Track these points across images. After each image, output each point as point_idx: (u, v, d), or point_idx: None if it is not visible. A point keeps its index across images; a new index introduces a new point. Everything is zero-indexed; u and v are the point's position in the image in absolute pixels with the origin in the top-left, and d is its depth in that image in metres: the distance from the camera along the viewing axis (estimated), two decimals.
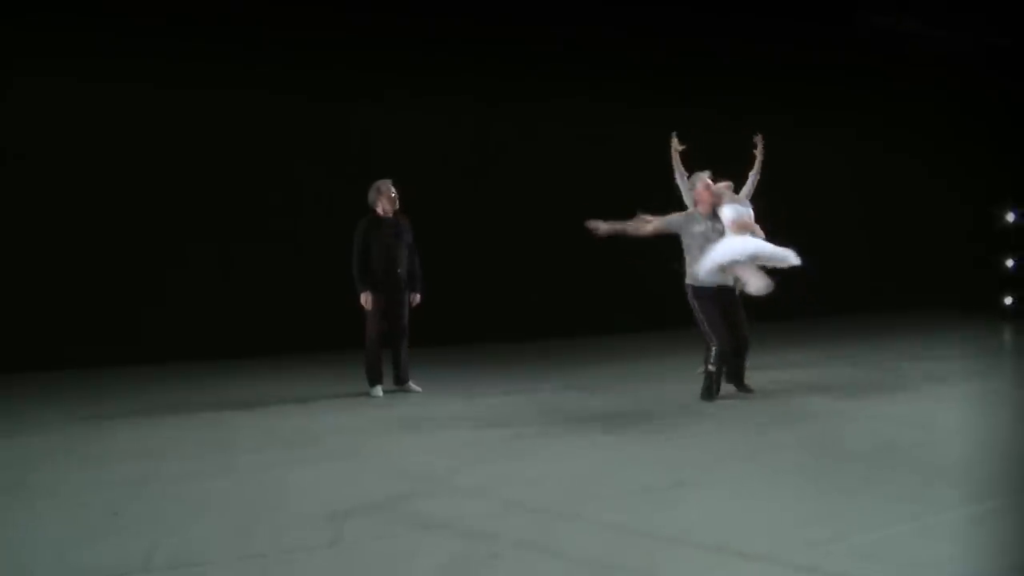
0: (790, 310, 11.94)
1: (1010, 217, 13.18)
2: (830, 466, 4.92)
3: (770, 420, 6.15)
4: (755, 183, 7.11)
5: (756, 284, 6.54)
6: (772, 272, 6.67)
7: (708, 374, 6.81)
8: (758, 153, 7.22)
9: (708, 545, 3.67)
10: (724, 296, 6.79)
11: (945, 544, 3.66)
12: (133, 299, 9.39)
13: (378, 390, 7.48)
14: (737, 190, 7.11)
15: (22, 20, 8.86)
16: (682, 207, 7.24)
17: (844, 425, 5.98)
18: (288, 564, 3.63)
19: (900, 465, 4.89)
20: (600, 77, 11.35)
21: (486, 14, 10.38)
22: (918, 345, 10.11)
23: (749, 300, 6.94)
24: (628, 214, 6.88)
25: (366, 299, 7.39)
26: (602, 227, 6.84)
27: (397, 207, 7.54)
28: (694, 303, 6.81)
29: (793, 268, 6.57)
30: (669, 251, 7.14)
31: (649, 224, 6.81)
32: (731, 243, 6.59)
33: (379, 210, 7.51)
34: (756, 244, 6.59)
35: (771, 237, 6.74)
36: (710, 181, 6.86)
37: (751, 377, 7.09)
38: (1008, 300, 13.08)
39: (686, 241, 6.89)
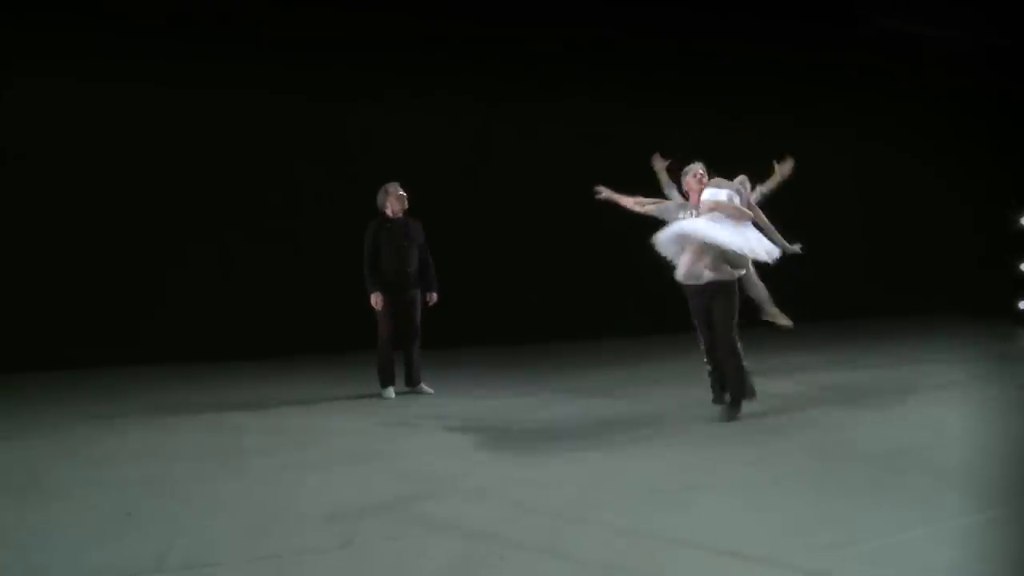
0: (794, 313, 11.96)
1: None
2: (839, 470, 4.91)
3: (778, 424, 6.12)
4: (762, 195, 6.71)
5: (682, 271, 6.33)
6: (766, 275, 6.63)
7: (709, 375, 6.79)
8: (779, 171, 6.73)
9: (716, 549, 3.67)
10: (706, 294, 6.47)
11: (957, 549, 3.65)
12: (133, 299, 9.39)
13: (390, 391, 7.49)
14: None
15: (22, 20, 8.86)
16: None
17: (853, 429, 5.96)
18: (300, 565, 3.64)
19: (910, 469, 4.87)
20: (600, 77, 11.35)
21: (486, 14, 10.38)
22: (927, 349, 10.07)
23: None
24: (628, 213, 6.86)
25: (376, 300, 7.40)
26: (604, 192, 6.82)
27: (406, 207, 7.56)
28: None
29: (783, 260, 6.46)
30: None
31: (645, 205, 6.74)
32: (693, 222, 6.35)
33: (388, 211, 7.54)
34: (714, 230, 6.22)
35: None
36: (702, 172, 6.67)
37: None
38: (1023, 304, 12.93)
39: None
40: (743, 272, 6.56)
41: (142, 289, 9.44)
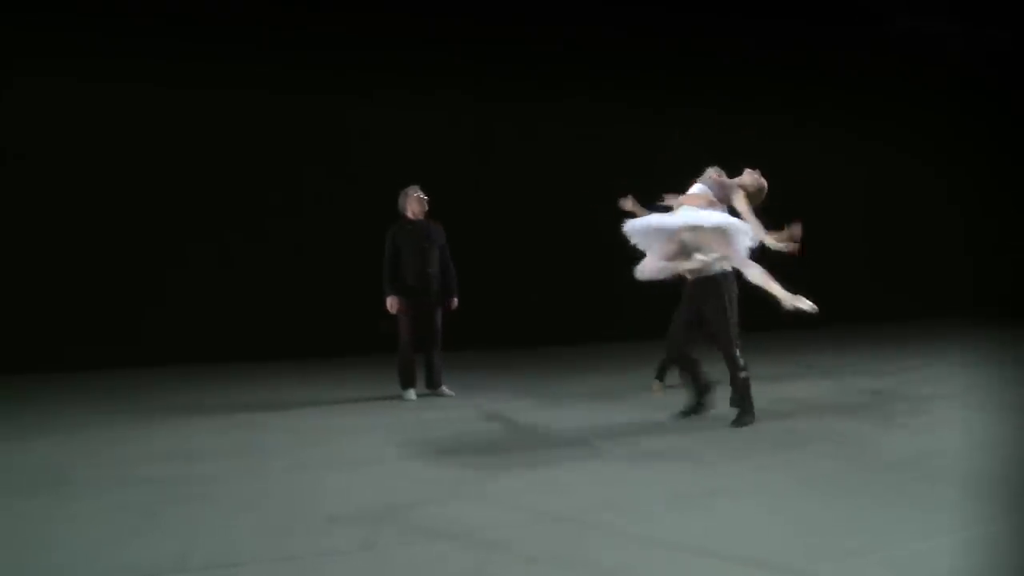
0: (803, 318, 11.97)
1: None
2: (862, 476, 4.87)
3: (799, 428, 6.06)
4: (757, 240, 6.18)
5: (644, 268, 6.16)
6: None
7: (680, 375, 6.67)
8: (776, 239, 6.17)
9: (738, 556, 3.64)
10: (690, 295, 6.37)
11: (981, 558, 3.63)
12: (133, 300, 9.39)
13: (411, 393, 7.49)
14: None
15: (22, 20, 8.87)
16: None
17: (876, 434, 5.90)
18: (322, 567, 3.64)
19: (934, 476, 4.84)
20: (600, 77, 11.36)
21: (486, 14, 10.39)
22: (942, 353, 10.03)
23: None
24: (628, 213, 6.85)
25: (392, 304, 7.43)
26: (628, 204, 6.61)
27: (426, 210, 7.61)
28: None
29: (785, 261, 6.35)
30: None
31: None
32: (663, 216, 6.18)
33: (409, 214, 7.58)
34: (687, 214, 6.07)
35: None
36: (716, 175, 6.48)
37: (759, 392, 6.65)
38: None
39: None
40: (725, 265, 6.16)
41: (142, 289, 9.44)
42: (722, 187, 6.22)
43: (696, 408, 6.39)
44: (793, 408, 6.82)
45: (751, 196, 6.27)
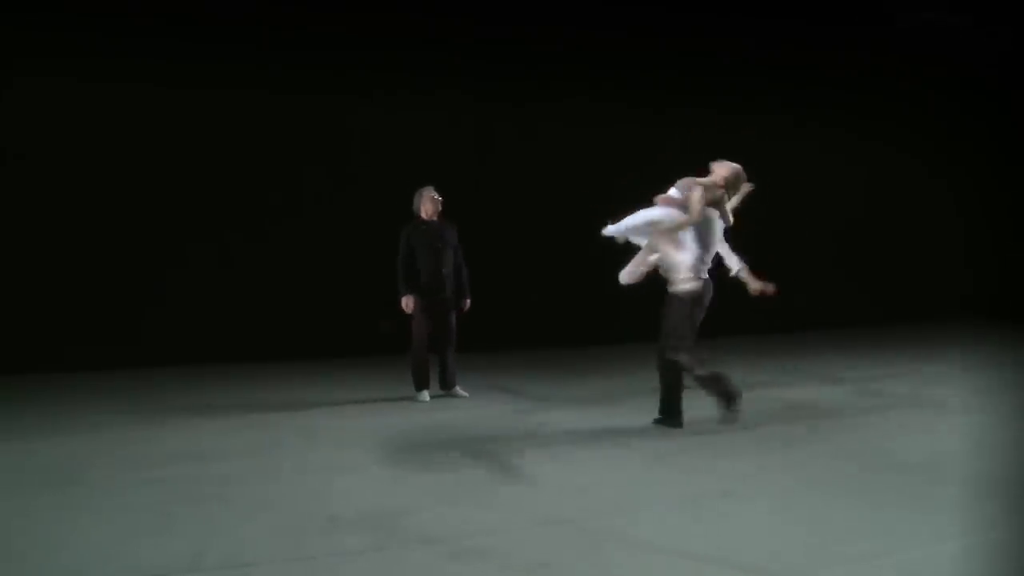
0: (803, 319, 11.98)
1: None
2: (874, 479, 4.89)
3: (810, 432, 6.10)
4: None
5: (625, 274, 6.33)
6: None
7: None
8: (749, 280, 6.52)
9: (749, 559, 3.65)
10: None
11: (993, 562, 3.63)
12: (133, 300, 9.38)
13: (424, 395, 7.52)
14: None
15: (22, 20, 8.86)
16: None
17: (887, 438, 5.93)
18: (334, 568, 3.67)
19: (947, 480, 4.85)
20: (600, 77, 11.35)
21: (486, 14, 10.38)
22: (947, 356, 10.05)
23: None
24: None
25: (407, 303, 7.45)
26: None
27: (440, 211, 7.66)
28: None
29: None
30: None
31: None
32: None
33: (423, 214, 7.62)
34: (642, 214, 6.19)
35: (761, 240, 6.61)
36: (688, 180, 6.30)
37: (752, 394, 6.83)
38: None
39: None
40: (685, 279, 6.14)
41: (142, 290, 9.43)
42: (689, 187, 6.23)
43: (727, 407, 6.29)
44: (799, 411, 6.84)
45: (730, 185, 6.30)
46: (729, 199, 6.36)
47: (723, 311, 7.45)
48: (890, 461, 5.28)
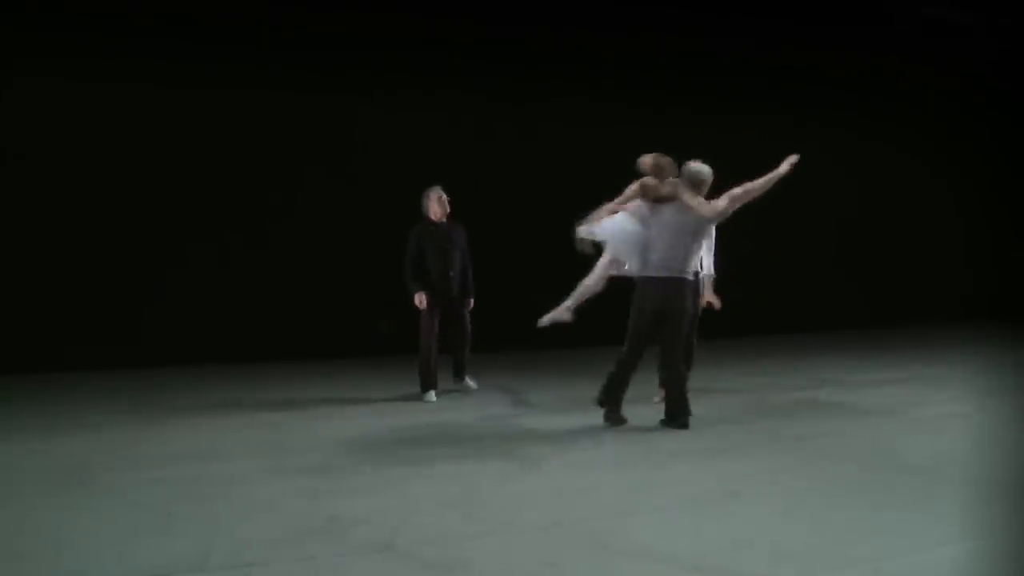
0: (804, 320, 11.99)
1: None
2: (878, 481, 4.88)
3: (815, 433, 6.09)
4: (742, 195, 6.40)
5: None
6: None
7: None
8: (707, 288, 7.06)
9: (752, 561, 3.65)
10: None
11: (999, 565, 3.63)
12: (133, 300, 9.37)
13: (431, 395, 7.55)
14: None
15: (22, 20, 8.85)
16: None
17: (892, 439, 5.91)
18: (338, 568, 3.66)
19: (952, 481, 4.84)
20: (600, 77, 11.35)
21: (487, 14, 10.38)
22: (949, 357, 10.05)
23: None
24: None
25: (420, 299, 7.50)
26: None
27: (448, 211, 7.73)
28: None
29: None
30: None
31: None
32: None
33: (432, 216, 7.68)
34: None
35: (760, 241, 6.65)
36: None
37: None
38: None
39: None
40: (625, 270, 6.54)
41: (142, 290, 9.42)
42: (641, 189, 6.45)
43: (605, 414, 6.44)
44: (800, 412, 6.83)
45: (658, 173, 6.34)
46: (676, 189, 6.31)
47: (724, 311, 7.49)
48: (892, 463, 5.28)
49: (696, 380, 7.73)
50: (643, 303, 6.29)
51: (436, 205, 7.70)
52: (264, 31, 9.70)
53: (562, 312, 6.84)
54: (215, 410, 7.12)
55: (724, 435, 6.08)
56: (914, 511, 4.30)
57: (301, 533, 4.06)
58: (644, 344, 6.32)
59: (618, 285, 6.81)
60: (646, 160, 6.39)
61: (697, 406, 6.56)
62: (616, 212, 6.47)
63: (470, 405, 7.33)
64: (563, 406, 7.25)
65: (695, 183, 6.32)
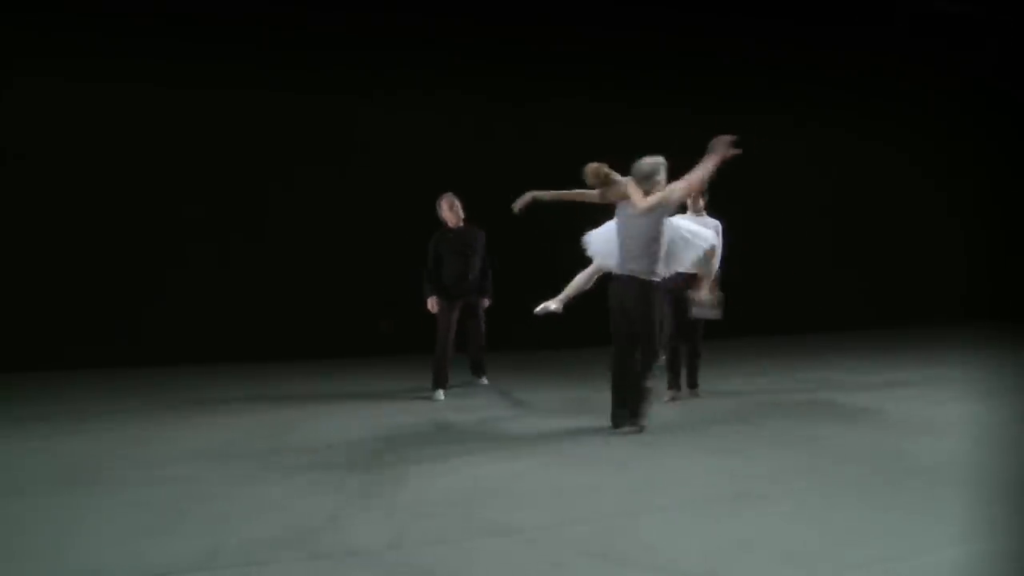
0: (805, 321, 11.98)
1: None
2: (889, 481, 4.87)
3: (815, 435, 6.07)
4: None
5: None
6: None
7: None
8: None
9: (756, 562, 3.65)
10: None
11: (1009, 566, 3.63)
12: (133, 300, 9.38)
13: (440, 394, 7.61)
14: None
15: (22, 20, 8.85)
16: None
17: (901, 439, 5.89)
18: (348, 566, 3.66)
19: (954, 482, 4.83)
20: (600, 77, 11.35)
21: (486, 14, 10.37)
22: (950, 358, 10.01)
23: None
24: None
25: (432, 304, 7.66)
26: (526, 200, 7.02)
27: (462, 216, 7.83)
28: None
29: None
30: None
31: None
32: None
33: (447, 223, 7.81)
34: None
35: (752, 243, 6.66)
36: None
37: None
38: None
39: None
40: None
41: (142, 289, 9.43)
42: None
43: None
44: (802, 413, 6.82)
45: (604, 180, 6.49)
46: (628, 187, 6.37)
47: (724, 311, 7.49)
48: (894, 464, 5.27)
49: (697, 381, 7.78)
50: (610, 302, 6.41)
51: (448, 212, 7.82)
52: (264, 31, 9.70)
53: (554, 304, 7.13)
54: (216, 409, 7.12)
55: (726, 436, 6.08)
56: (918, 512, 4.30)
57: (308, 532, 4.05)
58: (625, 343, 6.28)
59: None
60: (587, 171, 6.49)
61: (699, 407, 6.55)
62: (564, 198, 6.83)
63: (473, 405, 7.33)
64: (565, 406, 7.24)
65: (639, 178, 6.32)
